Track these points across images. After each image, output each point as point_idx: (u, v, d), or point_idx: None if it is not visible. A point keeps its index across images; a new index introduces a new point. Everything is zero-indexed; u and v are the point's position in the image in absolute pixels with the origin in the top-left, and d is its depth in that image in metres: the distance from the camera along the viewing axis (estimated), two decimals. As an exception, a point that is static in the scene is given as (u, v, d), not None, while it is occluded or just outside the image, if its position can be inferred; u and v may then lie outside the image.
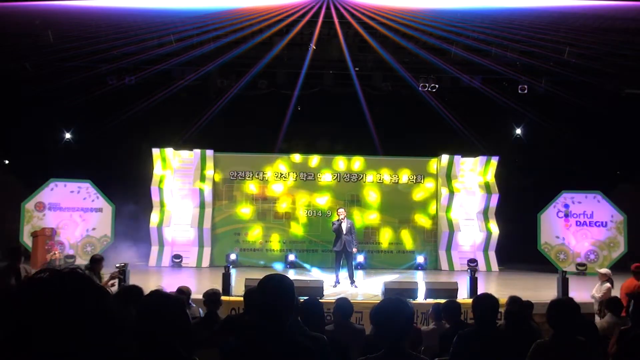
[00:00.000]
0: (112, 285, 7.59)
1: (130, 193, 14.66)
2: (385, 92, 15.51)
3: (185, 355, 2.24)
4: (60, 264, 13.91)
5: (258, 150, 16.19)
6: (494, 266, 15.46)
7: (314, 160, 16.18)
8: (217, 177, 15.90)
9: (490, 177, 15.96)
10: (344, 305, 4.91)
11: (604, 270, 8.86)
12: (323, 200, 15.99)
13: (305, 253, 15.62)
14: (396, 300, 2.72)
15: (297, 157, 16.18)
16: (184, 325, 2.26)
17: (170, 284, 10.85)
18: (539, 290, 10.81)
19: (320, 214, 15.93)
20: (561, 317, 3.60)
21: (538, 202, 15.68)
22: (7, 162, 17.77)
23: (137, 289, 3.96)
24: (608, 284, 8.48)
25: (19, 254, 6.53)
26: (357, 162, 16.23)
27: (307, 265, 14.81)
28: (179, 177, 15.75)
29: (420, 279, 11.39)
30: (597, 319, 7.47)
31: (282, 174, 16.07)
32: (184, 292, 6.15)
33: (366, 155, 16.24)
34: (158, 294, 2.49)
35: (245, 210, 15.92)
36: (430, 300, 8.25)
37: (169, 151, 15.59)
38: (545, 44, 13.01)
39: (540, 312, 6.25)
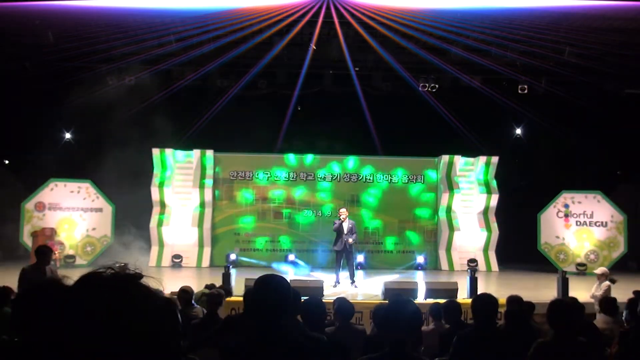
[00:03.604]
0: None
1: (130, 193, 14.66)
2: (385, 92, 15.51)
3: (179, 355, 2.24)
4: (60, 264, 13.93)
5: (258, 150, 16.19)
6: (494, 266, 15.46)
7: (314, 160, 16.19)
8: (217, 177, 15.91)
9: (491, 177, 15.96)
10: (345, 307, 4.90)
11: (600, 270, 8.86)
12: (323, 201, 15.99)
13: (305, 253, 15.62)
14: (403, 301, 2.71)
15: (297, 157, 16.18)
16: (174, 326, 2.25)
17: (170, 284, 10.84)
18: (539, 290, 10.81)
19: (320, 214, 15.94)
20: (561, 318, 3.60)
21: (538, 202, 15.68)
22: (7, 162, 17.77)
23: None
24: (607, 282, 8.48)
25: (47, 254, 6.59)
26: (357, 162, 16.23)
27: (303, 264, 14.76)
28: (179, 177, 15.75)
29: (420, 279, 11.38)
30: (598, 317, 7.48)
31: (282, 174, 16.08)
32: (187, 292, 6.15)
33: (366, 156, 16.24)
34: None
35: (245, 210, 15.92)
36: (430, 300, 8.24)
37: (169, 151, 15.60)
38: (545, 44, 13.02)
39: (541, 312, 6.25)
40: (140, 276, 1.09)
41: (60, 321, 0.98)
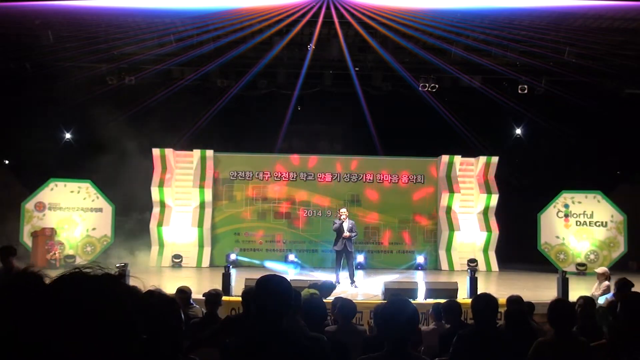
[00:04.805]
0: None
1: (130, 193, 14.66)
2: (385, 92, 15.50)
3: (178, 355, 2.25)
4: (60, 264, 13.93)
5: (258, 150, 16.19)
6: (494, 266, 15.46)
7: (314, 160, 16.18)
8: (217, 177, 15.91)
9: (491, 177, 15.96)
10: (347, 307, 4.88)
11: (601, 270, 8.85)
12: (323, 201, 15.99)
13: (305, 253, 15.63)
14: (402, 301, 2.71)
15: (297, 157, 16.18)
16: (176, 325, 2.25)
17: (170, 284, 10.85)
18: (539, 290, 10.81)
19: (320, 214, 15.93)
20: (561, 317, 3.61)
21: (538, 202, 15.68)
22: (7, 162, 17.77)
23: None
24: (607, 282, 8.47)
25: (10, 252, 6.50)
26: (357, 163, 16.22)
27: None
28: (179, 177, 15.75)
29: (420, 279, 11.39)
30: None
31: (282, 174, 16.08)
32: (184, 292, 6.15)
33: (366, 156, 16.24)
34: (148, 293, 2.49)
35: (245, 211, 15.92)
36: (430, 300, 8.24)
37: (169, 151, 15.60)
38: (545, 44, 13.01)
39: (541, 312, 6.26)
40: (121, 276, 1.09)
41: (43, 321, 0.98)
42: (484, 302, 3.62)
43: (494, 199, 15.76)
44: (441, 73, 14.81)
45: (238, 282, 9.41)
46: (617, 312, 4.15)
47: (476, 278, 9.57)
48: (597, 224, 15.32)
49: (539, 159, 17.06)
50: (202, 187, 15.51)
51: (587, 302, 5.24)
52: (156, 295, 2.48)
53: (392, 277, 12.13)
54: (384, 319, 2.64)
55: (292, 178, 16.09)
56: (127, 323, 1.02)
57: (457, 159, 16.03)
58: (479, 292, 8.92)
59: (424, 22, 12.44)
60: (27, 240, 14.18)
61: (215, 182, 15.79)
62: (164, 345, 2.11)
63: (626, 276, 6.91)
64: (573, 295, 8.71)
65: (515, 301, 5.69)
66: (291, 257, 15.09)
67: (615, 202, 15.41)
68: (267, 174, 16.04)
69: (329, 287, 7.12)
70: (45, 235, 13.91)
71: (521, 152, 17.31)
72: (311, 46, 13.97)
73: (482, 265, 15.30)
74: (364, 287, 11.08)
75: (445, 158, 15.96)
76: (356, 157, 16.24)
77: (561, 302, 3.89)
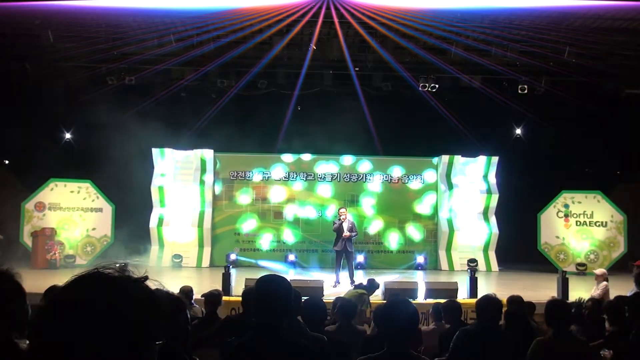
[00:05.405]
0: None
1: (130, 193, 14.65)
2: (385, 92, 15.49)
3: (184, 355, 2.25)
4: (60, 264, 13.93)
5: (258, 150, 16.18)
6: (494, 266, 15.46)
7: (314, 160, 16.18)
8: (217, 177, 15.91)
9: (491, 177, 15.96)
10: (346, 306, 4.89)
11: (599, 271, 8.92)
12: (323, 201, 15.99)
13: (305, 253, 15.62)
14: (402, 301, 2.72)
15: (296, 157, 16.17)
16: (183, 325, 2.26)
17: (170, 284, 10.84)
18: (539, 290, 10.81)
19: (320, 214, 15.93)
20: (558, 316, 3.62)
21: (538, 202, 15.68)
22: (7, 162, 17.76)
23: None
24: (605, 282, 8.53)
25: None
26: (357, 162, 16.22)
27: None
28: (179, 177, 15.74)
29: (420, 279, 11.39)
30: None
31: (282, 174, 16.07)
32: (186, 292, 6.16)
33: (366, 155, 16.24)
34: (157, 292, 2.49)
35: (245, 210, 15.92)
36: (430, 300, 8.25)
37: (169, 151, 15.59)
38: (545, 44, 13.02)
39: (541, 312, 6.27)
40: (145, 278, 1.09)
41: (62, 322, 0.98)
42: (489, 305, 3.64)
43: (494, 199, 15.76)
44: (441, 73, 14.79)
45: (238, 282, 9.41)
46: (610, 310, 4.14)
47: (476, 278, 9.58)
48: (597, 224, 15.32)
49: (539, 159, 17.05)
50: (202, 187, 15.51)
51: (595, 304, 5.23)
52: (163, 294, 2.49)
53: (392, 277, 12.13)
54: (384, 319, 2.64)
55: (292, 178, 16.09)
56: (146, 326, 1.02)
57: (457, 159, 16.02)
58: (479, 292, 8.93)
59: (424, 22, 12.44)
60: (27, 240, 14.18)
61: (215, 182, 15.80)
62: (169, 345, 2.11)
63: (626, 276, 6.91)
64: (573, 296, 8.73)
65: (515, 301, 5.69)
66: (291, 257, 15.09)
67: (615, 202, 15.41)
68: (267, 174, 16.04)
69: (373, 287, 7.40)
70: (45, 235, 13.91)
71: (521, 152, 17.29)
72: (312, 46, 13.96)
73: (482, 265, 15.30)
74: (364, 287, 11.05)
75: (445, 158, 15.96)
76: (356, 157, 16.24)
77: (556, 302, 3.90)
